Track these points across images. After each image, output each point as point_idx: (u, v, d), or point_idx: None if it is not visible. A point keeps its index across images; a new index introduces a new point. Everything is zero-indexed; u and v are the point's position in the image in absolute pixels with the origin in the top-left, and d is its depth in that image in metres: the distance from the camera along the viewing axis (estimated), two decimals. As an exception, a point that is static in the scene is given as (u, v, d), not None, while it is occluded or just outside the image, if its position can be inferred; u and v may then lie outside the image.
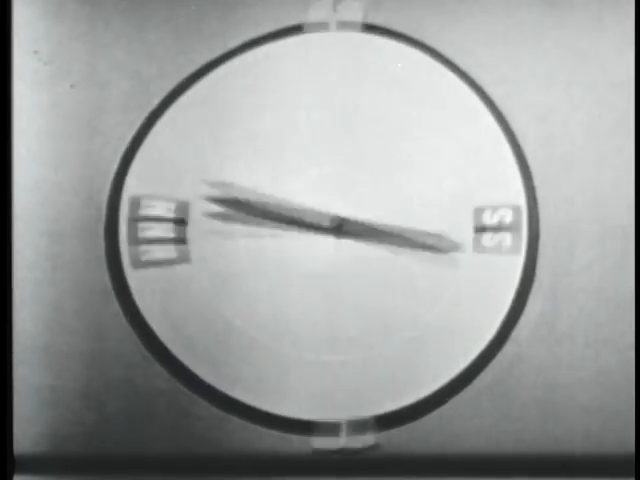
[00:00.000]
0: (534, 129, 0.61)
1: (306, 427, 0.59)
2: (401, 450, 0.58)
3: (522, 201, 0.60)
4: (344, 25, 0.62)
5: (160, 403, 0.59)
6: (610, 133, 0.61)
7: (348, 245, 0.60)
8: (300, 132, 0.62)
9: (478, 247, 0.60)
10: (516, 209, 0.60)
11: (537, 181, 0.61)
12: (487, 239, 0.60)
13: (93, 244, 0.61)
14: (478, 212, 0.60)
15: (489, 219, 0.60)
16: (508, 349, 0.59)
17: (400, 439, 0.58)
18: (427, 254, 0.60)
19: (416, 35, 0.63)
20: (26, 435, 0.58)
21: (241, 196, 0.61)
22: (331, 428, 0.59)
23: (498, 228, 0.60)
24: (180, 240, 0.61)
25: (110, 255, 0.61)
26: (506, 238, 0.60)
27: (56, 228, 0.61)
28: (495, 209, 0.60)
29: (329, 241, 0.60)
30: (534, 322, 0.59)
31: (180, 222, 0.61)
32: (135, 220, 0.61)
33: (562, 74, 0.62)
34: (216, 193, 0.61)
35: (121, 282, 0.61)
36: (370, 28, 0.62)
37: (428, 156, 0.61)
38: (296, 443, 0.58)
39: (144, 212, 0.61)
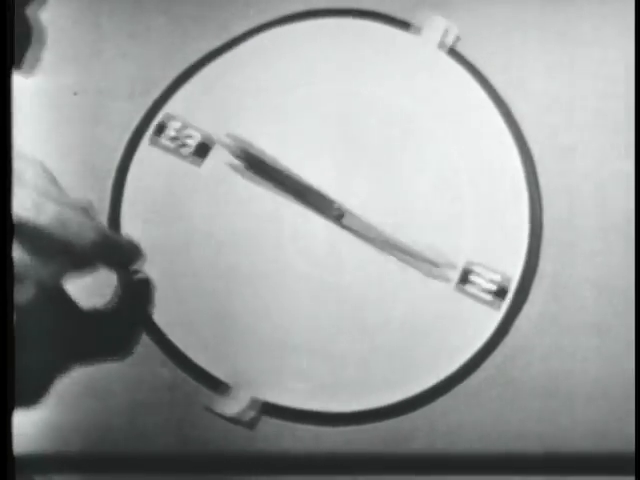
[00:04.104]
0: (537, 119, 0.61)
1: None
2: (401, 440, 0.59)
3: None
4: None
5: (163, 392, 0.59)
6: (613, 123, 0.61)
7: (349, 237, 0.60)
8: (310, 120, 0.62)
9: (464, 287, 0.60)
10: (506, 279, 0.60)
11: (540, 171, 0.61)
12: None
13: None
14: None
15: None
16: (511, 339, 0.59)
17: (401, 428, 0.59)
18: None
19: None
20: (27, 430, 0.58)
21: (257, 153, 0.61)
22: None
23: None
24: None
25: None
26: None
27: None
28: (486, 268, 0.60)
29: (331, 229, 0.61)
30: (537, 312, 0.59)
31: None
32: None
33: (565, 64, 0.62)
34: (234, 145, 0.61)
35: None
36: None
37: (433, 156, 0.61)
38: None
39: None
